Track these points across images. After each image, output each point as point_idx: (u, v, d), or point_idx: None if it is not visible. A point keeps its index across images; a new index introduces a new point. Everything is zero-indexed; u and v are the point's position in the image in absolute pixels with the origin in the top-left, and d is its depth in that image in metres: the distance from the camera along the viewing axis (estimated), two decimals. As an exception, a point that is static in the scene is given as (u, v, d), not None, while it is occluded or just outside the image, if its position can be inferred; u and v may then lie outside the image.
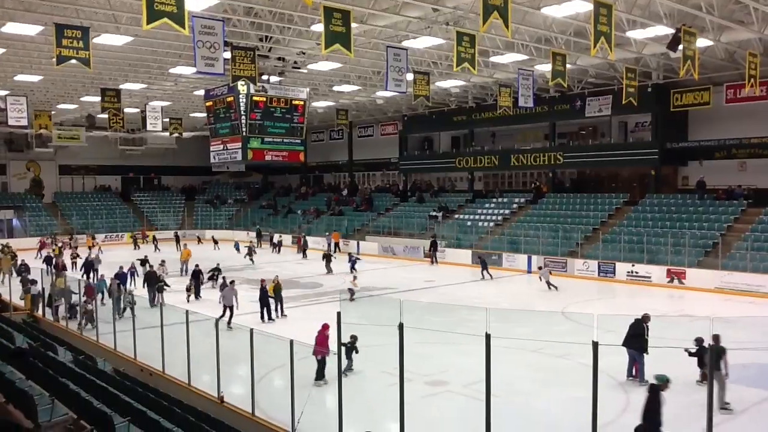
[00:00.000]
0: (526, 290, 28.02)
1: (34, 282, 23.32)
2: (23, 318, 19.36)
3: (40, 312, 21.19)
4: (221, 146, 28.79)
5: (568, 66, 24.04)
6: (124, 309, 19.25)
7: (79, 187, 54.99)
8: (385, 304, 18.78)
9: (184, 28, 15.14)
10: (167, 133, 43.09)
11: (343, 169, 54.13)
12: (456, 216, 40.21)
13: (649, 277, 27.62)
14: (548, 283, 26.09)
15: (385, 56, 21.75)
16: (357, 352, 14.06)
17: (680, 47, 20.68)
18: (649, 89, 31.31)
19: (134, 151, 54.42)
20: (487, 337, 7.98)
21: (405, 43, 23.93)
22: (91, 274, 27.82)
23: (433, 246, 35.02)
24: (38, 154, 50.87)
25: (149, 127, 36.75)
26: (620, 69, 27.21)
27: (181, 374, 13.58)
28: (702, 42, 22.93)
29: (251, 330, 11.44)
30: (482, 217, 38.80)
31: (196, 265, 25.77)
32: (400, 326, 8.68)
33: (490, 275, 29.42)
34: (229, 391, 12.48)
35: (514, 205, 38.72)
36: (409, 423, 9.11)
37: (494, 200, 40.42)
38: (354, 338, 13.79)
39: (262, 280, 21.05)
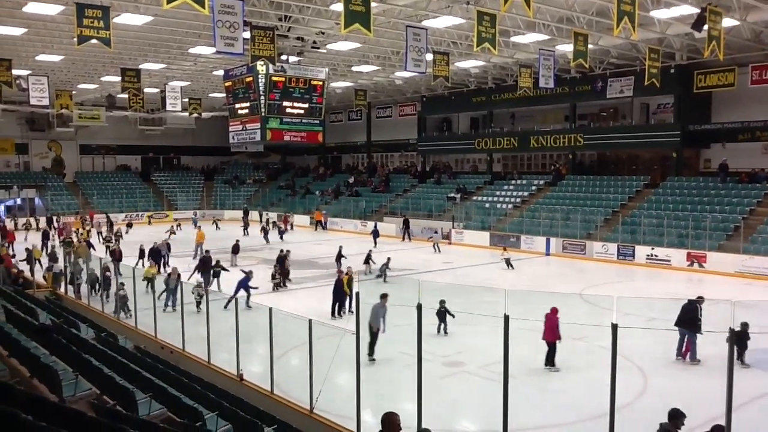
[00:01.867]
0: (544, 272, 27.94)
1: (56, 259, 23.71)
2: (46, 295, 19.63)
3: (62, 290, 21.46)
4: (240, 126, 28.81)
5: (589, 46, 23.72)
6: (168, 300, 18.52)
7: (99, 167, 55.48)
8: (403, 284, 18.84)
9: (204, 8, 15.13)
10: (186, 114, 43.22)
11: (361, 150, 54.07)
12: (474, 198, 40.08)
13: (669, 261, 27.41)
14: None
15: (404, 36, 21.57)
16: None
17: (705, 27, 20.32)
18: (672, 70, 30.84)
19: (154, 131, 54.71)
20: (506, 318, 7.95)
21: (425, 23, 23.71)
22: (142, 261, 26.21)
23: (405, 224, 37.94)
24: (59, 134, 51.37)
25: (169, 107, 36.89)
26: (643, 49, 26.78)
27: (200, 352, 13.73)
28: (728, 22, 22.51)
29: (270, 309, 11.52)
30: (501, 198, 38.63)
31: (282, 251, 24.31)
32: (419, 307, 8.68)
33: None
34: (247, 369, 12.61)
35: (533, 187, 38.51)
36: (426, 403, 9.15)
37: (513, 182, 40.21)
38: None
39: (339, 272, 19.36)
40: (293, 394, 11.44)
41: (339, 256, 25.55)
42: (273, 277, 22.79)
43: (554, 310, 13.91)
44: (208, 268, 22.46)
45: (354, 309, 17.74)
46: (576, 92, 35.96)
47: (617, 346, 7.72)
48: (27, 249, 24.74)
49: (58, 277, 22.13)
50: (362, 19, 17.18)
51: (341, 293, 18.50)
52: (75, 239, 32.34)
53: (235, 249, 27.76)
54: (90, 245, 28.51)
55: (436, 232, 36.16)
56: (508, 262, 27.28)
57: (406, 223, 38.23)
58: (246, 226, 41.02)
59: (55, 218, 42.47)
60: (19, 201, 46.51)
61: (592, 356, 14.30)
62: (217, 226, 43.09)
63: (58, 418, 3.89)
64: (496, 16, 19.66)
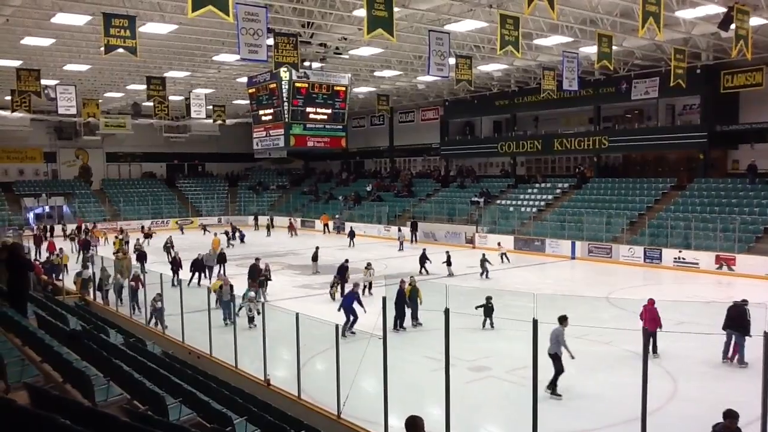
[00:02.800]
0: (570, 276, 27.72)
1: (85, 266, 24.02)
2: (75, 301, 19.91)
3: (91, 296, 21.76)
4: (264, 133, 28.99)
5: (614, 48, 23.51)
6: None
7: (125, 174, 56.21)
8: (428, 289, 18.74)
9: (229, 15, 15.28)
10: (211, 121, 43.63)
11: (384, 155, 54.15)
12: (498, 201, 39.91)
13: (697, 264, 27.03)
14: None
15: (427, 40, 21.58)
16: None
17: (732, 27, 20.06)
18: (698, 70, 30.43)
19: (178, 138, 55.37)
20: (535, 322, 7.91)
21: (447, 27, 23.70)
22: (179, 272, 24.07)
23: (414, 227, 38.66)
24: (86, 142, 52.18)
25: (193, 115, 37.22)
26: (668, 50, 26.51)
27: (227, 357, 13.82)
28: (755, 20, 22.19)
29: (297, 314, 11.56)
30: (525, 202, 38.42)
31: (346, 261, 23.44)
32: (446, 311, 8.65)
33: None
34: (274, 374, 12.66)
35: (558, 191, 38.25)
36: (453, 407, 9.11)
37: (537, 185, 39.97)
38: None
39: (402, 281, 17.87)
40: (320, 398, 11.46)
41: (315, 257, 27.71)
42: (332, 286, 22.09)
43: (651, 301, 14.58)
44: (256, 276, 21.54)
45: (417, 321, 17.60)
46: (600, 94, 35.69)
47: (648, 350, 7.65)
48: (50, 259, 25.20)
49: (86, 283, 22.44)
50: (385, 24, 17.21)
51: (403, 305, 17.28)
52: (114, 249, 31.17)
53: (222, 258, 26.74)
54: (144, 256, 27.92)
55: (400, 230, 38.16)
56: (504, 256, 28.63)
57: (414, 226, 38.87)
58: (268, 231, 43.44)
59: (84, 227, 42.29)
60: (47, 209, 47.25)
61: (620, 360, 14.15)
62: (204, 231, 42.56)
63: (94, 423, 3.93)
64: (519, 18, 19.58)
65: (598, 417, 11.59)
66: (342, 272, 22.49)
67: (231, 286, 18.80)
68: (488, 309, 17.08)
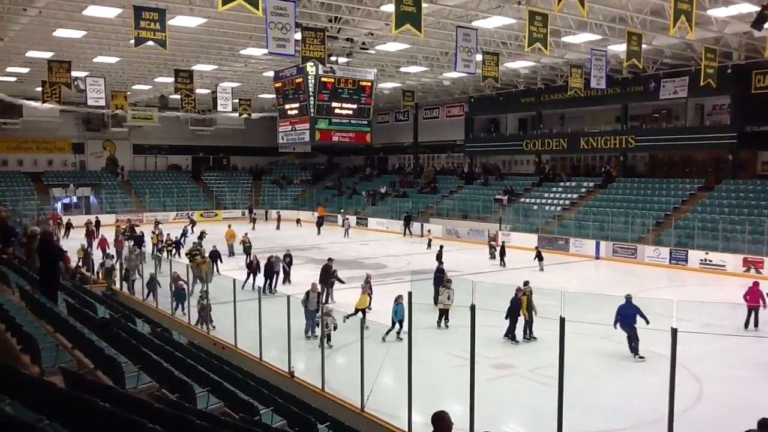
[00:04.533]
0: (594, 276, 27.52)
1: (110, 257, 24.38)
2: (102, 291, 20.19)
3: (117, 285, 22.07)
4: (289, 127, 29.13)
5: (643, 46, 23.25)
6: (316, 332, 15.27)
7: (151, 166, 56.80)
8: (454, 286, 18.70)
9: (258, 10, 15.39)
10: (236, 114, 43.89)
11: (408, 151, 54.10)
12: (522, 199, 39.71)
13: (724, 266, 26.68)
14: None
15: (454, 36, 21.52)
16: None
17: (766, 26, 19.71)
18: (729, 70, 29.94)
19: (204, 131, 55.80)
20: (562, 321, 7.88)
21: (475, 23, 23.60)
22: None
23: (407, 220, 40.43)
24: (114, 134, 52.80)
25: (219, 108, 37.45)
26: (698, 49, 26.14)
27: (251, 348, 13.94)
28: (789, 20, 21.76)
29: (322, 308, 11.62)
30: (549, 201, 38.18)
31: (330, 259, 21.77)
32: (472, 308, 8.65)
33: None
34: (297, 366, 12.75)
35: (583, 190, 37.95)
36: (476, 405, 9.11)
37: (562, 184, 39.68)
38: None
39: (518, 290, 16.51)
40: (343, 392, 11.52)
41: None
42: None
43: (756, 283, 17.29)
44: (327, 278, 19.99)
45: (531, 335, 16.33)
46: (628, 93, 35.32)
47: (676, 351, 7.58)
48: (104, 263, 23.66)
49: (110, 272, 22.75)
50: (413, 20, 17.21)
51: (516, 314, 16.05)
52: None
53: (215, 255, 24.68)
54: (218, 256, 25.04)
55: (347, 218, 42.05)
56: (498, 249, 28.67)
57: (407, 220, 40.53)
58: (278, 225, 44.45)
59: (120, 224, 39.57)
60: (75, 199, 47.91)
61: (645, 361, 14.04)
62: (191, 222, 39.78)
63: (129, 408, 4.01)
64: (548, 15, 19.45)
65: (623, 418, 11.52)
66: (324, 274, 20.34)
67: (318, 294, 16.69)
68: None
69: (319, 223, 42.17)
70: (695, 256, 27.71)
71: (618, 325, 14.60)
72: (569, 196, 37.84)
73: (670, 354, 7.56)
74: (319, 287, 17.60)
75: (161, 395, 6.99)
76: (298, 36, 20.36)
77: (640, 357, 14.30)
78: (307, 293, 16.02)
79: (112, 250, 26.67)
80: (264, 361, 13.29)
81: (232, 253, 29.50)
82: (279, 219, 45.67)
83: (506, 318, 15.87)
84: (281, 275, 22.89)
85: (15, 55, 30.53)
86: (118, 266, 23.04)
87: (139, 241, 30.11)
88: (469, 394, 8.92)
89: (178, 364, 8.54)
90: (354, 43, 28.07)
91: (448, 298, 17.44)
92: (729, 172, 32.89)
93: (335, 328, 14.56)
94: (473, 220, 38.94)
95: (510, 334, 15.94)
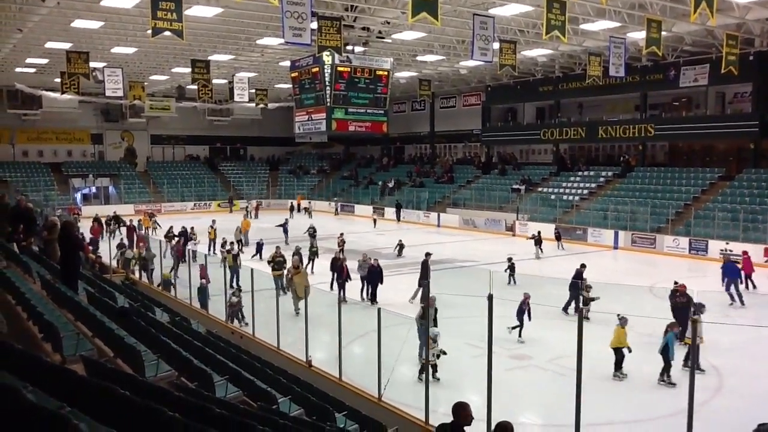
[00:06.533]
0: (612, 266, 27.32)
1: (124, 246, 24.60)
2: (121, 280, 20.36)
3: (137, 275, 22.25)
4: (306, 117, 29.14)
5: (663, 33, 22.95)
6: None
7: (169, 157, 57.13)
8: (468, 275, 18.68)
9: (274, -1, 15.32)
10: (253, 104, 43.98)
11: (424, 141, 53.95)
12: (539, 189, 39.48)
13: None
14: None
15: (470, 24, 21.36)
16: None
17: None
18: (751, 57, 29.48)
19: (221, 121, 56.02)
20: (580, 311, 7.82)
21: (492, 11, 23.40)
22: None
23: (398, 207, 43.17)
24: (132, 124, 53.16)
25: (236, 98, 37.53)
26: (720, 36, 25.77)
27: (268, 338, 14.00)
28: (814, 6, 21.42)
29: (339, 300, 11.63)
30: (567, 190, 37.92)
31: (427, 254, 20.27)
32: (489, 297, 8.60)
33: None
34: (315, 356, 12.79)
35: (601, 179, 37.66)
36: (494, 395, 9.09)
37: (580, 173, 39.38)
38: None
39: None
40: (360, 381, 11.54)
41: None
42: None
43: (745, 252, 21.55)
44: (375, 279, 18.72)
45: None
46: (647, 81, 34.91)
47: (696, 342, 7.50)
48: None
49: (128, 262, 22.94)
50: (429, 8, 17.11)
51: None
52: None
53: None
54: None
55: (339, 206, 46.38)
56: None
57: (398, 207, 43.18)
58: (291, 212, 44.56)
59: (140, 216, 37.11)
60: (94, 189, 48.33)
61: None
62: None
63: (149, 396, 4.03)
64: (566, 3, 19.25)
65: (641, 408, 11.45)
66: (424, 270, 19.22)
67: (436, 310, 14.07)
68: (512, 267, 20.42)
69: (292, 208, 45.28)
70: (715, 245, 27.39)
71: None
72: (587, 185, 37.56)
73: (690, 344, 7.48)
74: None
75: (180, 384, 7.04)
76: (314, 25, 20.32)
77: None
78: (424, 309, 12.96)
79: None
80: (281, 350, 13.34)
81: (246, 243, 29.51)
82: (257, 208, 45.56)
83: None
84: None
85: (34, 46, 30.75)
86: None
87: (184, 236, 26.86)
88: (487, 384, 8.88)
89: (197, 353, 8.59)
90: (370, 32, 27.98)
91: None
92: (750, 161, 32.44)
93: (442, 354, 12.45)
94: (490, 210, 38.77)
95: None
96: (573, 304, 17.20)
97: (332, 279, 19.93)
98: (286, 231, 31.45)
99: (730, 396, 12.03)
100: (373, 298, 18.76)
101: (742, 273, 20.64)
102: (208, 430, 3.55)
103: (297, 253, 19.99)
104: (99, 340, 7.79)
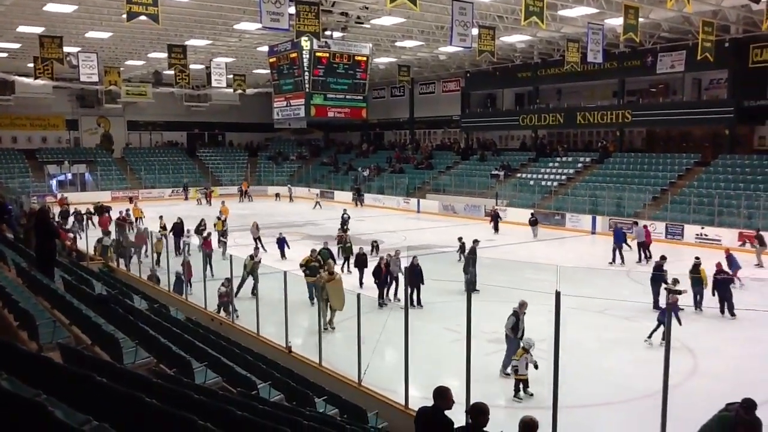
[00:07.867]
0: (590, 251, 27.60)
1: (108, 233, 24.36)
2: (99, 267, 20.18)
3: (114, 263, 22.06)
4: (285, 103, 28.98)
5: (640, 20, 23.08)
6: None
7: (146, 143, 56.50)
8: (448, 261, 18.77)
9: (252, -17, 15.16)
10: (231, 90, 43.63)
11: (404, 127, 53.90)
12: (518, 175, 39.68)
13: (720, 240, 26.73)
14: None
15: (449, 10, 21.33)
16: None
17: (764, -2, 19.62)
18: (727, 44, 29.76)
19: (199, 107, 55.43)
20: (557, 295, 7.88)
21: (471, -3, 23.35)
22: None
23: (357, 191, 44.03)
24: (108, 110, 52.45)
25: (214, 84, 37.23)
26: (696, 23, 25.98)
27: (248, 324, 13.97)
28: (788, -7, 21.62)
29: (317, 284, 11.63)
30: (545, 176, 38.16)
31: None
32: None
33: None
34: (294, 342, 12.79)
35: (579, 165, 37.94)
36: (473, 379, 9.16)
37: (558, 159, 39.63)
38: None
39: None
40: (340, 366, 11.58)
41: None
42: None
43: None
44: (417, 281, 16.04)
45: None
46: (625, 67, 35.13)
47: (672, 325, 7.62)
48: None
49: (106, 249, 22.73)
50: (409, -7, 17.03)
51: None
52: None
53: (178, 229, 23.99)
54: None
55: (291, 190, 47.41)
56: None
57: (357, 191, 44.10)
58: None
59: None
60: (69, 176, 47.65)
61: (642, 336, 14.12)
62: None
63: (126, 383, 4.01)
64: (545, -12, 19.27)
65: (618, 390, 11.62)
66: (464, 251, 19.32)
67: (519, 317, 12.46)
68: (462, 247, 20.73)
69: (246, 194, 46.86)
70: (691, 230, 27.80)
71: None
72: (566, 171, 37.83)
73: (665, 327, 7.60)
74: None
75: (159, 370, 7.02)
76: (292, 10, 20.18)
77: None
78: (516, 314, 12.40)
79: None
80: (261, 336, 13.32)
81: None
82: (209, 195, 44.83)
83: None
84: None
85: (6, 30, 30.15)
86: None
87: (178, 230, 24.42)
88: (466, 368, 8.95)
89: (176, 340, 8.58)
90: (349, 17, 27.79)
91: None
92: (726, 147, 32.87)
93: (535, 367, 11.20)
94: (470, 196, 38.92)
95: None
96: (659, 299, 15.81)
97: (360, 277, 18.64)
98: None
99: (704, 378, 12.24)
100: (418, 302, 16.46)
101: (634, 242, 24.44)
102: (187, 416, 3.54)
103: (324, 253, 17.70)
104: (76, 328, 7.74)
